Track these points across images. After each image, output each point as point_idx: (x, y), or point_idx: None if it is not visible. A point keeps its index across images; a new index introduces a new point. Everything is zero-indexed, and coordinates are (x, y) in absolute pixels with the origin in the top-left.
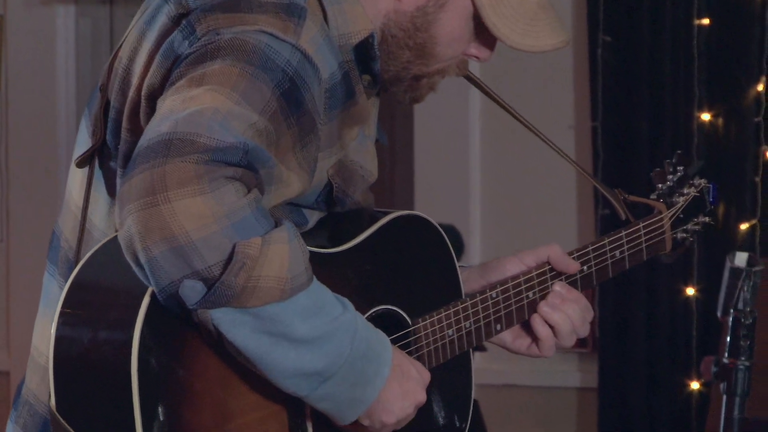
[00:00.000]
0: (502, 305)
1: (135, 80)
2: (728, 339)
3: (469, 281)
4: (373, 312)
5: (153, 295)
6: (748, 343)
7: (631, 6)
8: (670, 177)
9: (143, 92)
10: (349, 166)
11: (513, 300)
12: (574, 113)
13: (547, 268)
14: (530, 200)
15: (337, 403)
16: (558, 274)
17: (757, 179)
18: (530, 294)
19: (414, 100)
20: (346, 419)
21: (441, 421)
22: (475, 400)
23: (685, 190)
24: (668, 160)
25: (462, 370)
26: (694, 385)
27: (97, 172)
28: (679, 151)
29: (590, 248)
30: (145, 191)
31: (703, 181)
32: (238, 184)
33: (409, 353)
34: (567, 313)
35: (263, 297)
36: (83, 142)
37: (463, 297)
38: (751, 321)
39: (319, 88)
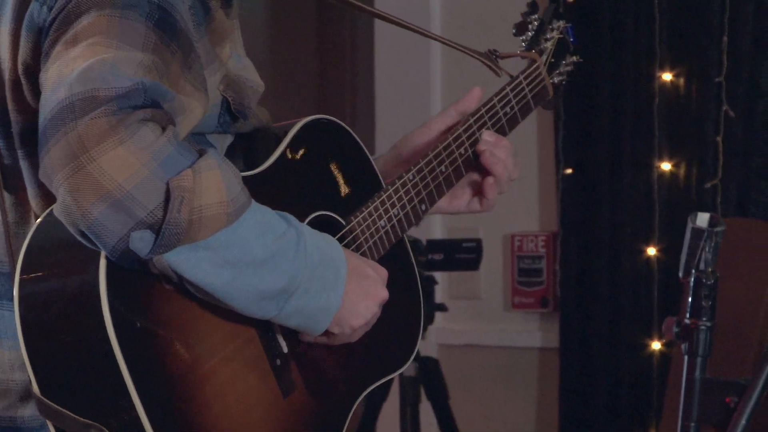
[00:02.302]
0: (420, 185)
1: (6, 63)
2: (690, 300)
3: (386, 169)
4: (309, 220)
5: (107, 258)
6: (710, 303)
7: None
8: (530, 26)
9: (20, 70)
10: (236, 79)
11: (429, 178)
12: None
13: (450, 139)
14: None
15: (305, 316)
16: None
17: (719, 139)
18: (443, 168)
19: None
20: (317, 330)
21: (391, 349)
22: (435, 360)
23: (548, 35)
24: (522, 12)
25: (414, 305)
26: (656, 345)
27: None
28: (529, 1)
29: (483, 110)
30: (67, 158)
31: (561, 23)
32: (152, 124)
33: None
34: (504, 162)
35: (211, 225)
36: None
37: (384, 187)
38: (712, 282)
39: (183, 5)
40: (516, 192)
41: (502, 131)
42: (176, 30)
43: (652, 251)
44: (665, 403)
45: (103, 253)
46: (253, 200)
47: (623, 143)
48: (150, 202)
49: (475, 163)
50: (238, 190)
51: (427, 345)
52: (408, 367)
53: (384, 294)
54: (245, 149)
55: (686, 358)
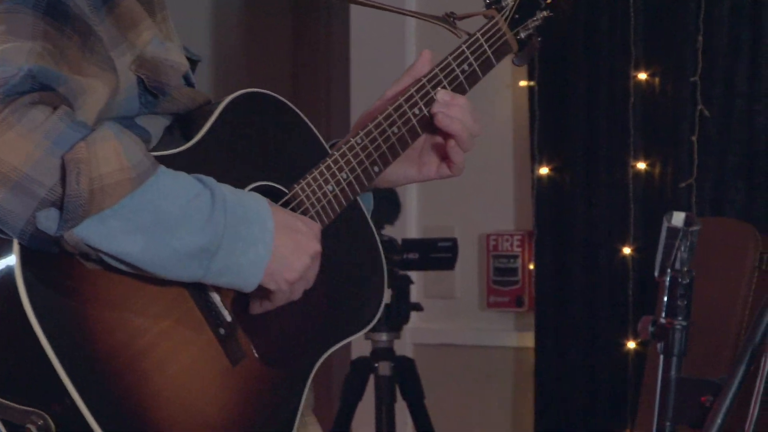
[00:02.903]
0: (371, 147)
1: None
2: (665, 299)
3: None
4: (249, 190)
5: (20, 245)
6: (686, 303)
7: None
8: None
9: None
10: (152, 60)
11: (381, 140)
12: (511, 73)
13: (402, 100)
14: (467, 160)
15: (235, 273)
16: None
17: (694, 138)
18: (395, 129)
19: None
20: (250, 285)
21: (352, 311)
22: (411, 359)
23: None
24: None
25: (375, 266)
26: (631, 345)
27: None
28: None
29: (437, 70)
30: None
31: None
32: (41, 106)
33: None
34: (461, 120)
35: (115, 193)
36: None
37: (330, 153)
38: (688, 281)
39: None
40: (491, 191)
41: (461, 89)
42: (69, 15)
43: (627, 250)
44: (641, 402)
45: (15, 240)
46: (161, 166)
47: (598, 142)
48: (48, 179)
49: (434, 126)
50: (140, 157)
51: (402, 344)
52: (383, 367)
53: (316, 247)
54: (181, 129)
55: (662, 357)
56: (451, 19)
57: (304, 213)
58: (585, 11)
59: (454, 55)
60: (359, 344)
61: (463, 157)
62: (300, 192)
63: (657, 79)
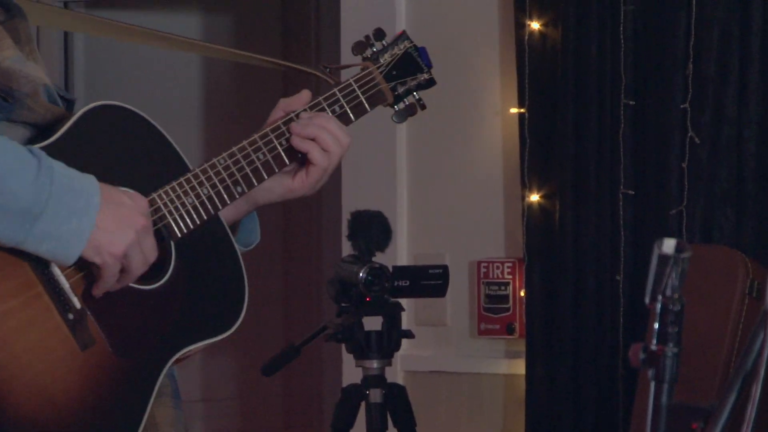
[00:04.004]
0: (234, 168)
1: None
2: (656, 325)
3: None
4: None
5: None
6: (676, 329)
7: None
8: (372, 48)
9: None
10: (6, 69)
11: (244, 162)
12: (501, 100)
13: (268, 129)
14: (457, 187)
15: (56, 239)
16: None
17: (684, 165)
18: (260, 155)
19: None
20: (71, 255)
21: (209, 316)
22: (402, 386)
23: (391, 52)
24: (366, 35)
25: (235, 280)
26: (622, 371)
27: None
28: (378, 27)
29: (307, 107)
30: None
31: (407, 43)
32: None
33: (153, 222)
34: (319, 123)
35: None
36: None
37: (191, 168)
38: (679, 308)
39: None
40: (481, 218)
41: None
42: None
43: (617, 277)
44: (632, 429)
45: None
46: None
47: (588, 169)
48: None
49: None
50: None
51: (393, 371)
52: (374, 394)
53: (142, 221)
54: (41, 140)
55: (652, 383)
56: (327, 69)
57: (161, 219)
58: (574, 38)
59: (325, 96)
60: (350, 371)
61: (315, 150)
62: (157, 199)
63: (647, 106)
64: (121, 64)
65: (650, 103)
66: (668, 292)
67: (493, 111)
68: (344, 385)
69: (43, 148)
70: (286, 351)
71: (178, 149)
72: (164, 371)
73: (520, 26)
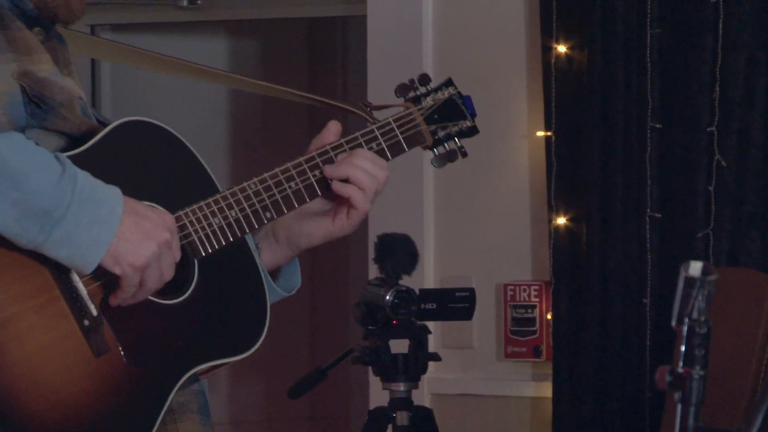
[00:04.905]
0: (264, 194)
1: None
2: (683, 348)
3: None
4: None
5: None
6: (703, 352)
7: (583, 15)
8: (414, 91)
9: None
10: (41, 79)
11: (275, 189)
12: (527, 123)
13: (302, 159)
14: (484, 210)
15: (75, 246)
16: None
17: (711, 188)
18: (292, 184)
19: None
20: (89, 263)
21: (227, 336)
22: (428, 409)
23: (434, 96)
24: (411, 78)
25: (257, 304)
26: (648, 394)
27: None
28: (424, 73)
29: (343, 140)
30: None
31: (452, 89)
32: None
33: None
34: (353, 163)
35: None
36: None
37: (221, 190)
38: (705, 330)
39: None
40: (508, 241)
41: None
42: None
43: (644, 300)
44: None
45: None
46: (19, 133)
47: (615, 192)
48: None
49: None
50: None
51: (419, 394)
52: (401, 417)
53: (165, 235)
54: (72, 150)
55: (679, 406)
56: (367, 108)
57: (186, 237)
58: (601, 61)
59: (363, 132)
60: (377, 394)
61: (358, 194)
62: (184, 216)
63: (673, 129)
64: (147, 90)
65: (677, 126)
66: (695, 315)
67: (519, 134)
68: (371, 407)
69: (70, 157)
70: (312, 374)
71: (208, 170)
72: (177, 385)
73: (546, 49)
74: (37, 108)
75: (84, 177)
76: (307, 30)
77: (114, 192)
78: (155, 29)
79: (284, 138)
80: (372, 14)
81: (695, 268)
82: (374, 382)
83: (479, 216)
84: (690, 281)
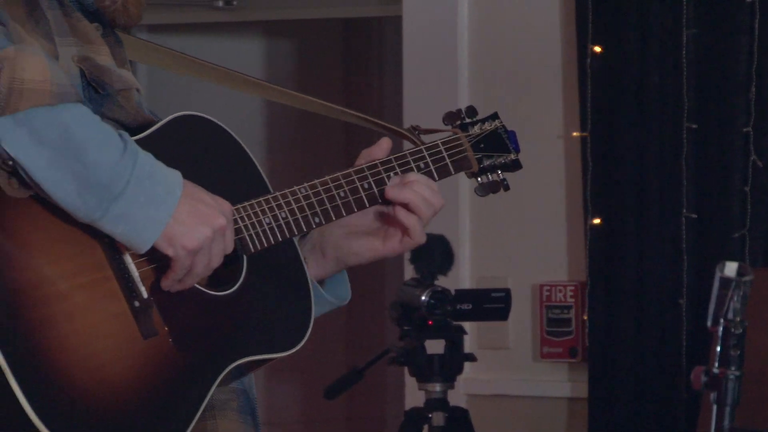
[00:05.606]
0: (314, 199)
1: None
2: (718, 349)
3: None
4: None
5: None
6: (738, 353)
7: (619, 16)
8: (461, 120)
9: None
10: (101, 66)
11: (325, 196)
12: (563, 123)
13: (352, 170)
14: (520, 210)
15: (132, 223)
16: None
17: (747, 189)
18: (341, 193)
19: (125, 25)
20: (145, 242)
21: (272, 333)
22: (464, 410)
23: (481, 126)
24: (459, 108)
25: (302, 305)
26: (684, 395)
27: None
28: (470, 105)
29: (392, 157)
30: None
31: (498, 122)
32: None
33: None
34: (414, 189)
35: (33, 98)
36: None
37: (272, 191)
38: (741, 331)
39: None
40: (544, 241)
41: None
42: None
43: (680, 301)
44: None
45: None
46: (84, 106)
47: (650, 193)
48: None
49: (385, 202)
50: (66, 83)
51: (455, 395)
52: (437, 417)
53: (221, 221)
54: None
55: (714, 407)
56: (416, 132)
57: (238, 231)
58: (637, 62)
59: (411, 150)
60: (413, 395)
61: (418, 225)
62: (235, 212)
63: (709, 130)
64: (183, 91)
65: (712, 126)
66: (730, 316)
67: (555, 134)
68: (407, 408)
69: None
70: (348, 375)
71: (260, 170)
72: (221, 377)
73: (582, 50)
74: (96, 93)
75: (145, 156)
76: (342, 30)
77: (174, 174)
78: (191, 30)
79: (320, 141)
80: (408, 15)
81: (731, 268)
82: (410, 382)
83: (515, 216)
84: (725, 282)
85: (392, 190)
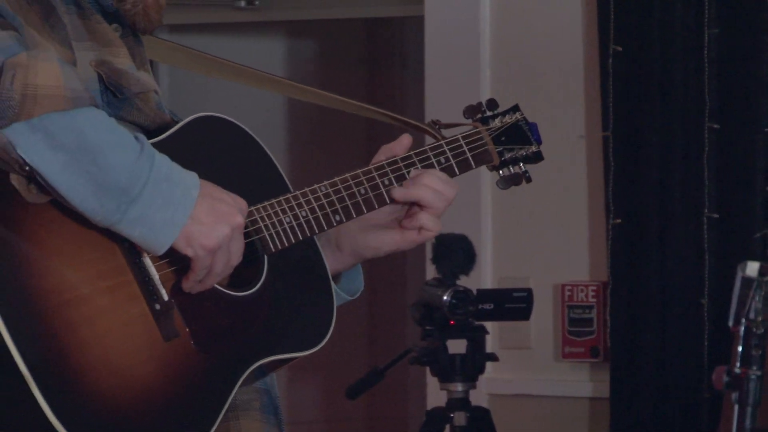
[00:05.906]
0: (334, 197)
1: None
2: (740, 349)
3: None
4: None
5: None
6: (760, 352)
7: (641, 15)
8: (482, 114)
9: None
10: (118, 69)
11: (345, 194)
12: (585, 123)
13: (372, 167)
14: (541, 210)
15: (149, 226)
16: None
17: None
18: (362, 190)
19: (144, 29)
20: (161, 245)
21: (293, 331)
22: (486, 410)
23: (501, 119)
24: (480, 101)
25: (324, 302)
26: (706, 395)
27: None
28: (491, 98)
29: (412, 153)
30: None
31: (519, 114)
32: None
33: (248, 234)
34: (423, 183)
35: (46, 104)
36: None
37: (292, 190)
38: (762, 331)
39: None
40: (566, 241)
41: None
42: None
43: (702, 300)
44: None
45: None
46: (99, 109)
47: (672, 193)
48: None
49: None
50: (79, 88)
51: (477, 394)
52: (459, 417)
53: (238, 220)
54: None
55: (736, 407)
56: (436, 126)
57: (258, 231)
58: (659, 61)
59: (432, 146)
60: (434, 394)
61: (432, 220)
62: (255, 212)
63: (731, 129)
64: (204, 90)
65: (735, 126)
66: (752, 315)
67: (577, 134)
68: (428, 408)
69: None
70: (370, 374)
71: (280, 169)
72: (243, 377)
73: (604, 50)
74: (114, 97)
75: (162, 159)
76: (364, 30)
77: (191, 176)
78: (212, 30)
79: (340, 141)
80: (429, 15)
81: (752, 268)
82: (432, 382)
83: (537, 216)
84: (747, 282)
85: (398, 192)
